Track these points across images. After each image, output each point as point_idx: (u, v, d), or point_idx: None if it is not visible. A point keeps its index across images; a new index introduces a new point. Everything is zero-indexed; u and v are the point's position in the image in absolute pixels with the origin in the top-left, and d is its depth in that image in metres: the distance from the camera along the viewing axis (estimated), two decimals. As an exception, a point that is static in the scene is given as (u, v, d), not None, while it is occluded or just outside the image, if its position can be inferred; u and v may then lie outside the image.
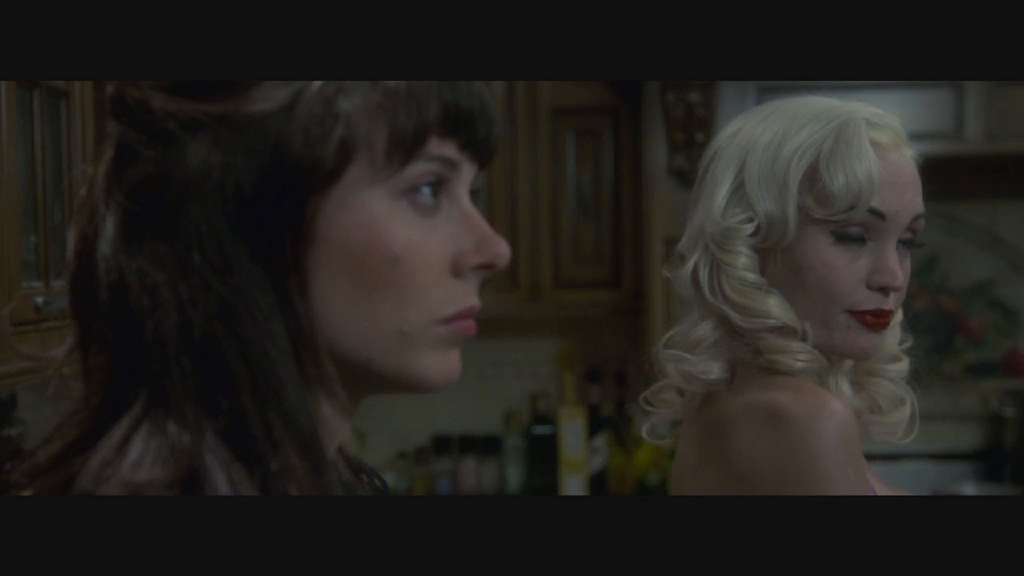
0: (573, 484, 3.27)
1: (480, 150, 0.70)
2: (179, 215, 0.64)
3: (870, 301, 1.15)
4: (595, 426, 3.30)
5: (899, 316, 1.23)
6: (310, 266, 0.66)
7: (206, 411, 0.63)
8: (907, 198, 1.16)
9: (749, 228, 1.16)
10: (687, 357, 1.18)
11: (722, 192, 1.18)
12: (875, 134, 1.15)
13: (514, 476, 3.37)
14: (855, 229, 1.14)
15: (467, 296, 0.70)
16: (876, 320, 1.15)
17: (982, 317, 3.40)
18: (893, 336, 1.23)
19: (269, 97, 0.65)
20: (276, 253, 0.65)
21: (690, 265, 1.19)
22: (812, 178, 1.14)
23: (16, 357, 1.54)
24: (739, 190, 1.17)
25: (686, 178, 2.89)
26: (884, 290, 1.15)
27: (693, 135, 2.91)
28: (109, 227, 0.66)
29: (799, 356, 1.14)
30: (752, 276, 1.16)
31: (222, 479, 0.62)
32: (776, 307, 1.15)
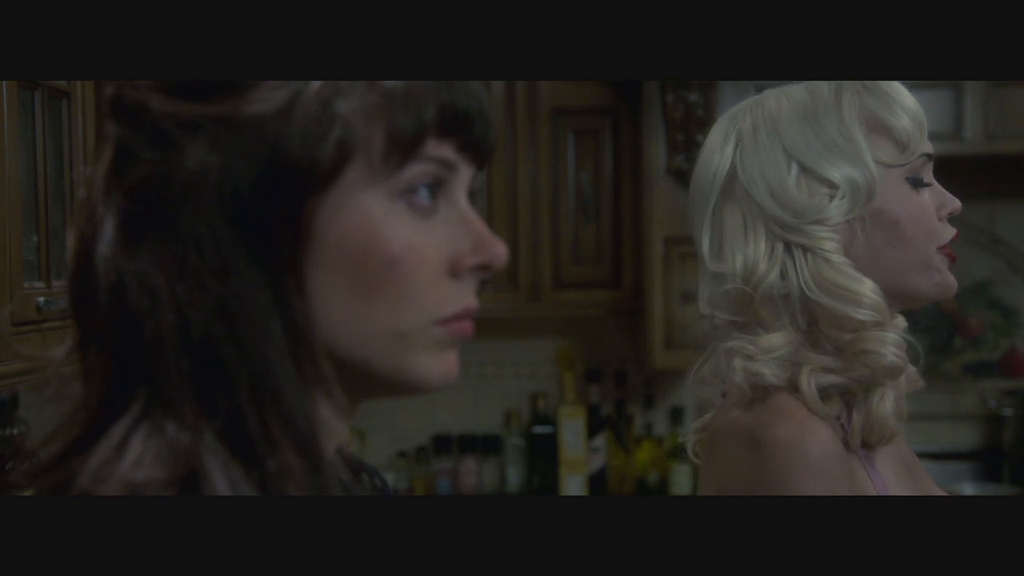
0: (573, 484, 3.27)
1: (477, 151, 0.70)
2: (177, 216, 0.64)
3: (947, 232, 1.19)
4: (595, 426, 3.31)
5: None
6: (308, 267, 0.66)
7: (204, 411, 0.63)
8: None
9: (840, 204, 1.15)
10: (760, 357, 1.14)
11: (785, 183, 1.16)
12: None
13: (514, 476, 3.37)
14: (920, 167, 1.18)
15: (464, 297, 0.70)
16: (951, 252, 1.19)
17: (980, 317, 3.40)
18: None
19: (267, 98, 0.65)
20: (274, 254, 0.65)
21: (774, 270, 1.15)
22: (876, 128, 1.16)
23: (15, 357, 1.55)
24: (803, 173, 1.16)
25: (686, 178, 2.88)
26: (950, 217, 1.19)
27: (693, 135, 2.91)
28: (108, 228, 0.66)
29: (892, 349, 1.13)
30: (844, 259, 1.15)
31: (220, 479, 0.62)
32: (872, 294, 1.14)
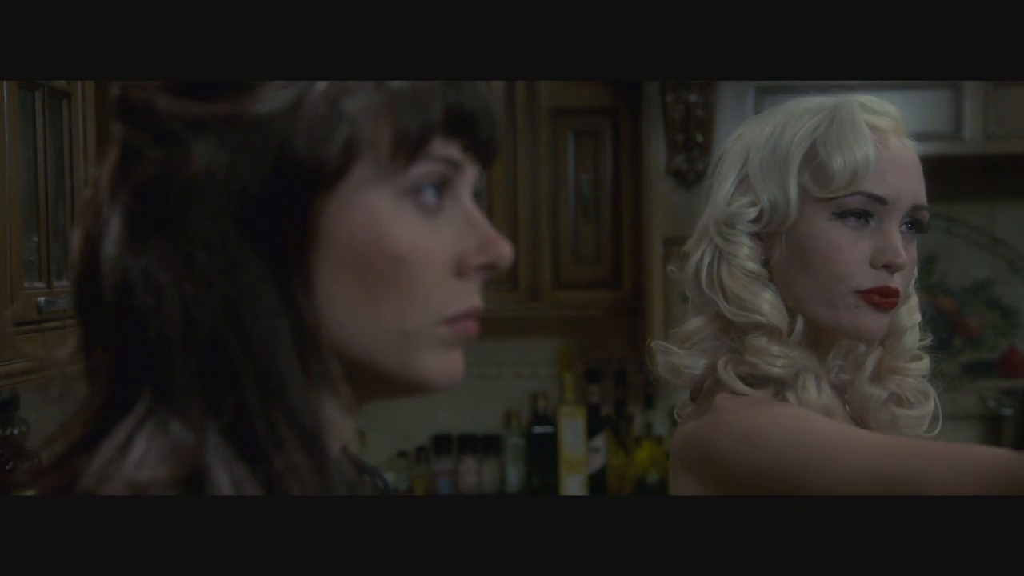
0: (573, 484, 3.27)
1: (483, 151, 0.71)
2: (184, 215, 0.64)
3: (875, 279, 1.15)
4: (595, 426, 3.31)
5: (918, 317, 1.25)
6: (314, 265, 0.66)
7: (210, 410, 0.63)
8: (907, 183, 1.16)
9: (752, 212, 1.18)
10: (675, 350, 1.22)
11: (726, 186, 1.21)
12: (871, 118, 1.17)
13: (514, 476, 3.37)
14: (856, 207, 1.16)
15: (470, 296, 0.70)
16: (883, 300, 1.15)
17: (980, 317, 3.41)
18: (913, 336, 1.25)
19: (274, 98, 0.65)
20: (280, 253, 0.65)
21: (695, 258, 1.22)
22: (811, 159, 1.17)
23: (19, 357, 1.55)
24: (743, 182, 1.20)
25: (685, 178, 2.90)
26: (888, 268, 1.15)
27: (692, 136, 2.91)
28: (114, 227, 0.66)
29: (777, 362, 1.16)
30: (752, 266, 1.19)
31: (224, 478, 0.62)
32: (767, 303, 1.17)
